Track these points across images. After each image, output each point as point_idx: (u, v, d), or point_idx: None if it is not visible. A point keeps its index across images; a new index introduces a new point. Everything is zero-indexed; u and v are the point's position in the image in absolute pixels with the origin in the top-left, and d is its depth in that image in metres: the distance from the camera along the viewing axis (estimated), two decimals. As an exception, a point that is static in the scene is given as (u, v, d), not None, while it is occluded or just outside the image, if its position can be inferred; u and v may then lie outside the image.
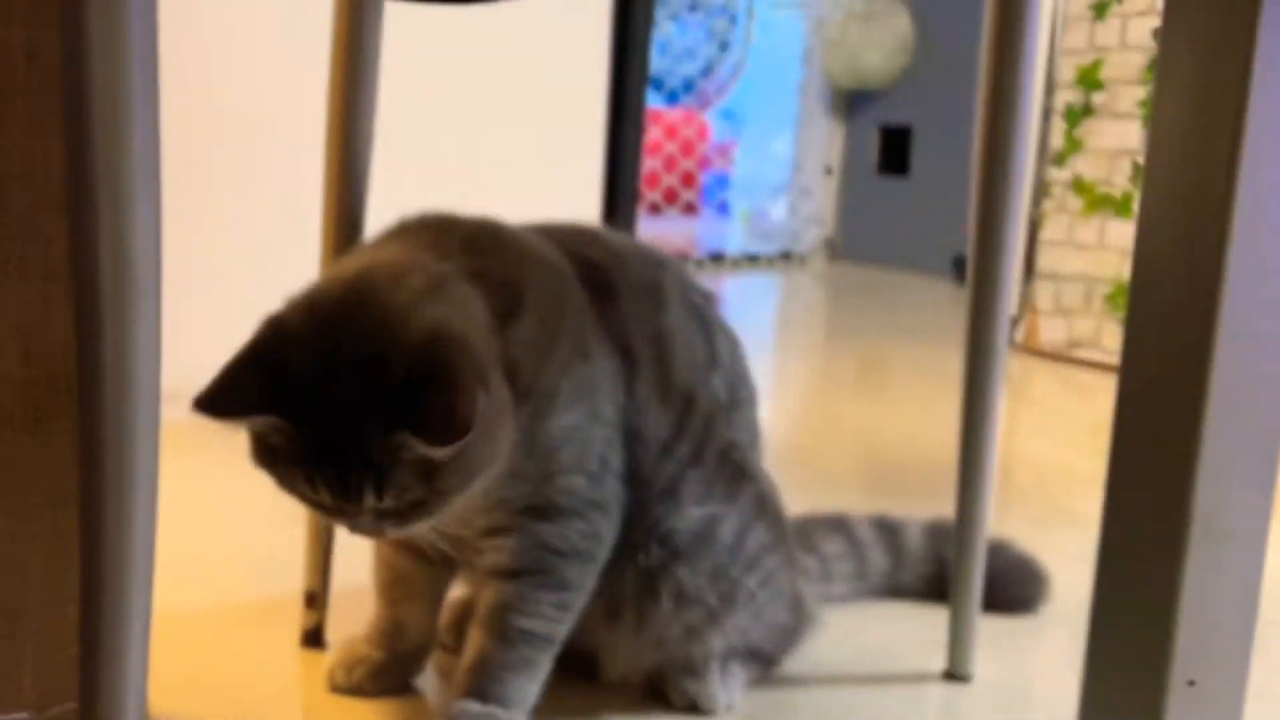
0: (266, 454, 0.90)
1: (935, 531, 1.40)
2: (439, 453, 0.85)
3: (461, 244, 0.99)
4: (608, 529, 1.03)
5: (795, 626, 1.17)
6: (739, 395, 1.12)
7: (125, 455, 0.72)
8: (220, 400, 0.87)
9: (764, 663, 1.17)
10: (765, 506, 1.12)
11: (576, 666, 1.12)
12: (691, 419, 1.07)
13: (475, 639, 1.02)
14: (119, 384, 0.72)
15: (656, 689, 1.13)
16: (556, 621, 1.02)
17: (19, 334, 0.90)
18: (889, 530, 1.40)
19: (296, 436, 0.87)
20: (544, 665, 1.03)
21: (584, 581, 1.03)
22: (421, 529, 0.92)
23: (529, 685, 1.02)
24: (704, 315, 1.12)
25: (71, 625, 0.89)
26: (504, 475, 0.96)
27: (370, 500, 0.87)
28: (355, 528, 0.91)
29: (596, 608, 1.07)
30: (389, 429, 0.85)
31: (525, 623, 1.01)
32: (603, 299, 1.05)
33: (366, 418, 0.85)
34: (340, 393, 0.86)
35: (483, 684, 1.00)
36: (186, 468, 1.69)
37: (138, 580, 0.73)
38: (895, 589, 1.40)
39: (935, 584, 1.38)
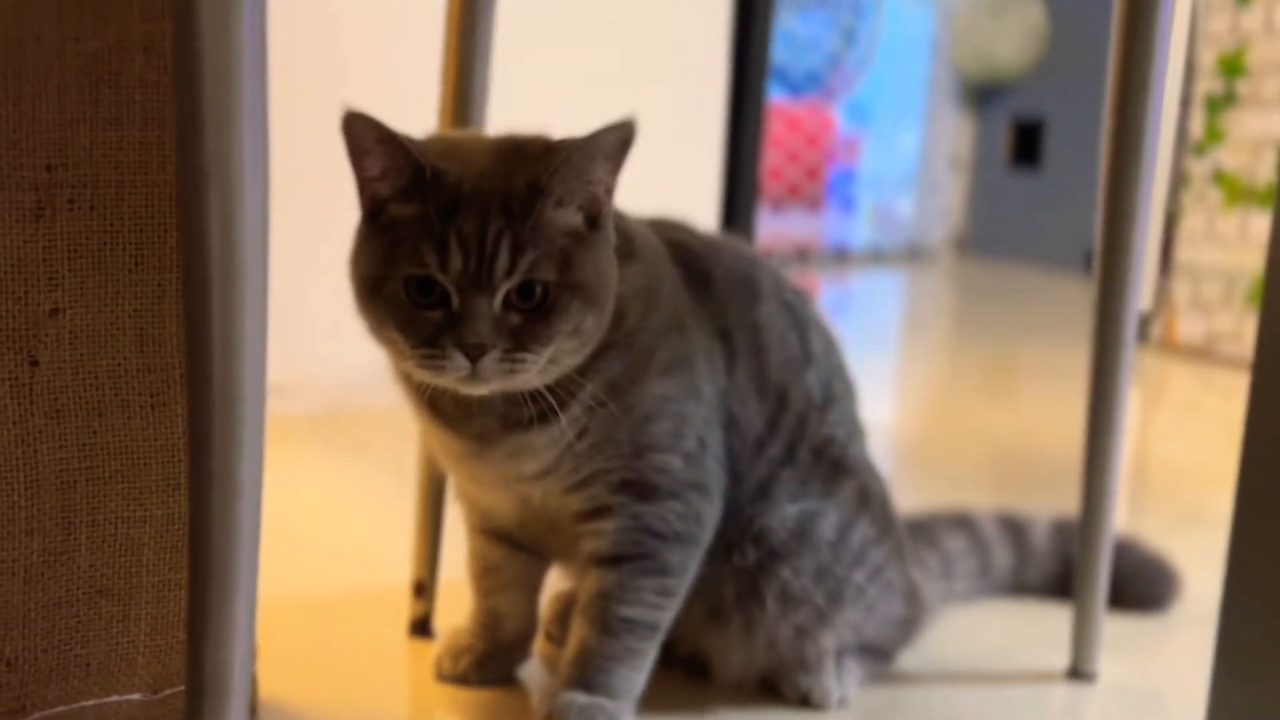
0: (384, 248, 0.89)
1: (1062, 529, 1.36)
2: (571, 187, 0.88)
3: None
4: (709, 511, 1.01)
5: (911, 618, 1.15)
6: (834, 391, 1.10)
7: (232, 441, 0.73)
8: (373, 125, 0.88)
9: (880, 657, 1.14)
10: (868, 500, 1.10)
11: (689, 666, 1.10)
12: (785, 416, 1.06)
13: (578, 629, 1.01)
14: (226, 371, 0.72)
15: (770, 684, 1.11)
16: (659, 608, 1.01)
17: (135, 322, 0.92)
18: (1014, 527, 1.36)
19: (437, 190, 0.87)
20: (649, 654, 1.02)
21: (686, 565, 1.01)
22: (530, 377, 0.89)
23: (634, 675, 1.01)
24: (797, 312, 1.10)
25: (185, 608, 0.91)
26: (597, 444, 0.96)
27: (503, 266, 0.86)
28: (468, 351, 0.86)
29: (698, 606, 1.05)
30: (531, 182, 0.87)
31: (627, 611, 1.00)
32: (699, 284, 1.04)
33: (510, 179, 0.88)
34: (486, 164, 0.89)
35: (587, 675, 0.99)
36: (299, 459, 1.72)
37: (243, 564, 0.74)
38: (1020, 587, 1.36)
39: (1061, 582, 1.34)
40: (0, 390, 0.87)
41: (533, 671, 1.13)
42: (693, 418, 0.99)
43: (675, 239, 1.06)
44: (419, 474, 1.16)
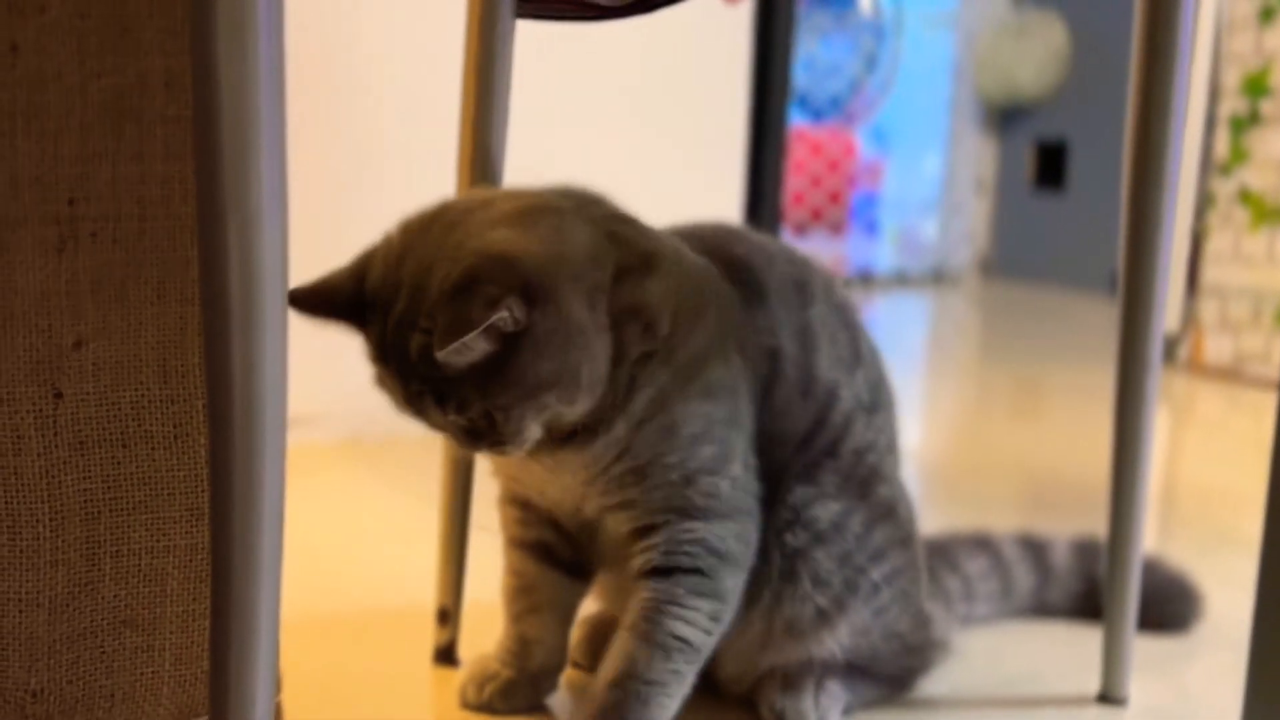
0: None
1: (1083, 549, 1.35)
2: (446, 358, 0.87)
3: (606, 210, 1.01)
4: (754, 534, 1.02)
5: (919, 645, 1.14)
6: (879, 398, 1.10)
7: (253, 471, 0.73)
8: (308, 300, 0.94)
9: (877, 682, 1.13)
10: (895, 510, 1.10)
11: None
12: (832, 414, 1.06)
13: (622, 645, 0.99)
14: (247, 401, 0.73)
15: (751, 703, 1.10)
16: (709, 633, 1.00)
17: (158, 354, 0.92)
18: (1035, 548, 1.35)
19: (369, 344, 0.94)
20: (689, 682, 1.00)
21: (737, 590, 1.01)
22: (517, 451, 0.94)
23: (672, 704, 0.99)
24: (847, 315, 1.11)
25: (207, 638, 0.91)
26: (641, 466, 0.97)
27: (436, 412, 0.92)
28: (455, 441, 0.94)
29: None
30: (424, 347, 0.89)
31: (682, 629, 0.98)
32: (754, 297, 1.04)
33: (413, 329, 0.90)
34: (400, 304, 0.91)
35: (626, 702, 0.97)
36: (325, 488, 1.72)
37: (266, 594, 0.74)
38: (1041, 608, 1.35)
39: (1084, 602, 1.33)
40: (25, 422, 0.88)
41: (561, 702, 1.12)
42: (737, 443, 1.00)
43: (729, 253, 1.06)
44: (442, 502, 1.16)
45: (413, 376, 0.91)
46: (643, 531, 1.00)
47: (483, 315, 0.86)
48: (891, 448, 1.12)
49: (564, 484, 1.01)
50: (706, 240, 1.07)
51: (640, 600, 1.00)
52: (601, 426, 0.95)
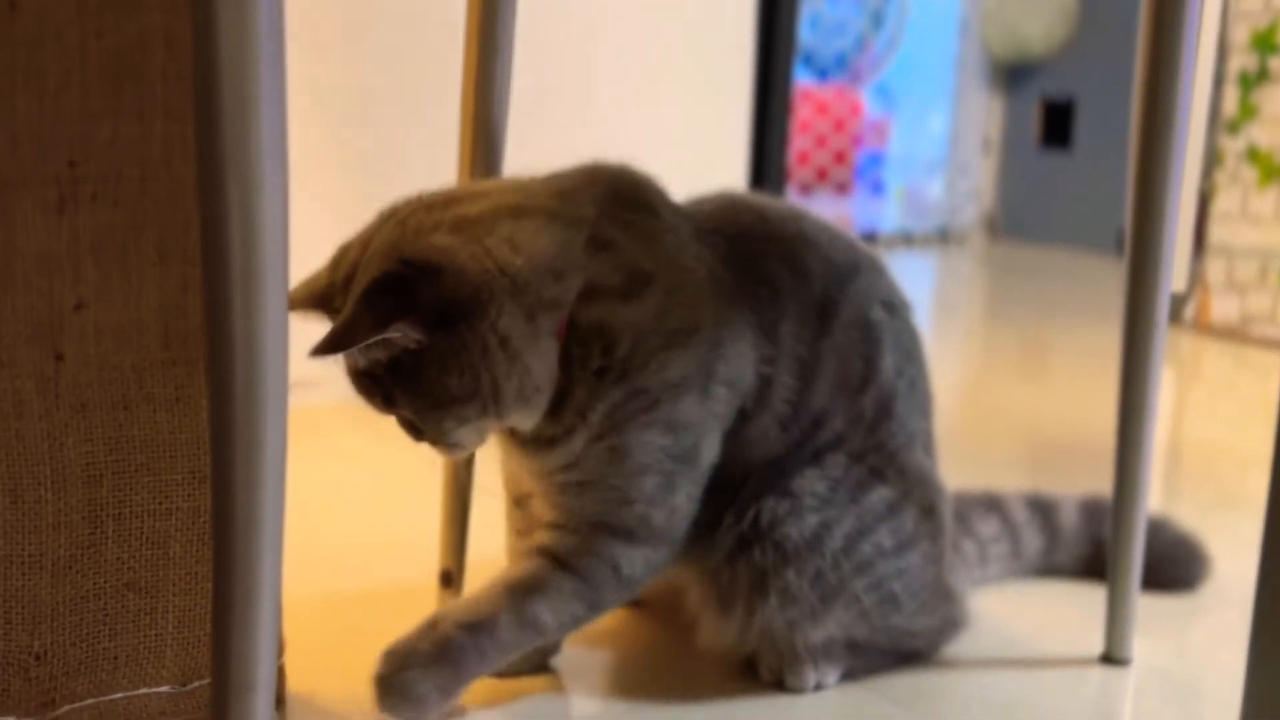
0: None
1: (1090, 509, 1.35)
2: (318, 356, 0.89)
3: (611, 211, 0.99)
4: (665, 562, 1.03)
5: (928, 629, 1.13)
6: (891, 409, 1.08)
7: (255, 433, 0.73)
8: (295, 297, 0.96)
9: (882, 654, 1.13)
10: (900, 509, 1.07)
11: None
12: (817, 437, 1.05)
13: (492, 598, 0.99)
14: (248, 362, 0.72)
15: (750, 664, 1.11)
16: (565, 628, 1.02)
17: (160, 316, 0.92)
18: (1043, 509, 1.35)
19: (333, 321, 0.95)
20: (518, 651, 1.02)
21: (614, 605, 1.04)
22: (454, 454, 0.97)
23: (500, 663, 1.01)
24: (873, 333, 1.07)
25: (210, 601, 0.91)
26: (587, 481, 0.99)
27: (375, 403, 0.95)
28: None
29: (708, 593, 1.06)
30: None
31: (545, 616, 1.00)
32: (764, 320, 1.02)
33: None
34: (346, 297, 0.94)
35: (468, 650, 0.98)
36: (327, 451, 1.72)
37: (267, 556, 0.74)
38: (1050, 568, 1.36)
39: (1091, 563, 1.33)
40: (26, 385, 0.87)
41: (568, 660, 1.12)
42: (685, 479, 1.00)
43: (759, 269, 1.04)
44: (445, 466, 1.16)
45: (351, 367, 0.94)
46: (559, 526, 1.02)
47: (367, 331, 0.88)
48: (910, 444, 1.10)
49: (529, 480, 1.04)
50: (747, 240, 1.05)
51: (530, 568, 1.01)
52: (562, 436, 0.97)
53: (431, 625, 0.99)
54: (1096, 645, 1.17)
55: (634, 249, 0.98)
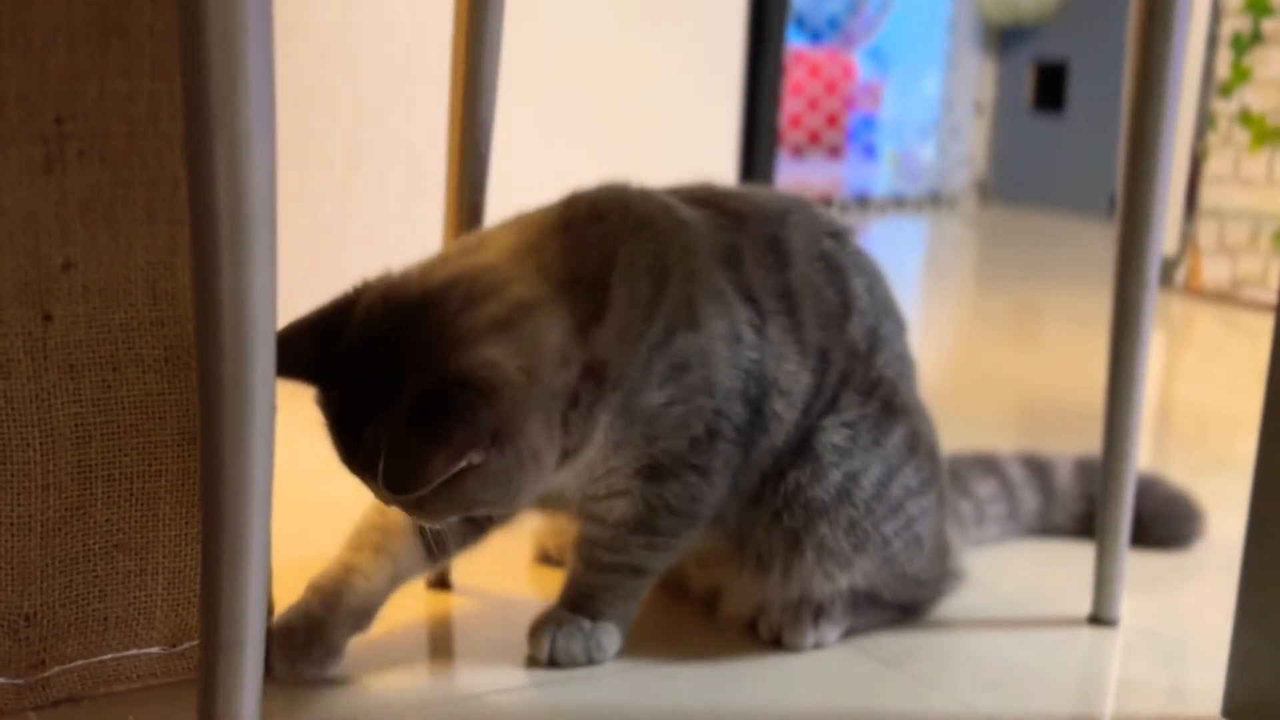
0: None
1: (1086, 469, 1.35)
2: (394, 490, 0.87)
3: (566, 244, 0.98)
4: (707, 492, 1.03)
5: (934, 578, 1.14)
6: (880, 334, 1.09)
7: (244, 393, 0.72)
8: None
9: (884, 609, 1.13)
10: (916, 447, 1.09)
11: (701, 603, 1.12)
12: (827, 377, 1.06)
13: (571, 562, 1.07)
14: (236, 322, 0.72)
15: (752, 625, 1.12)
16: (645, 558, 1.05)
17: (147, 276, 0.91)
18: (1039, 469, 1.36)
19: (325, 403, 0.93)
20: (636, 591, 1.06)
21: (677, 532, 1.04)
22: (429, 525, 0.97)
23: (619, 603, 1.05)
24: (835, 260, 1.09)
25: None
26: (609, 446, 0.99)
27: (371, 482, 0.91)
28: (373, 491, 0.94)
29: (746, 557, 1.09)
30: (376, 443, 0.88)
31: (612, 558, 1.04)
32: (731, 258, 1.03)
33: (370, 419, 0.89)
34: (366, 386, 0.90)
35: (574, 597, 1.05)
36: (315, 415, 1.72)
37: (256, 516, 0.74)
38: (1046, 528, 1.36)
39: (1087, 522, 1.33)
40: (14, 345, 0.87)
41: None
42: (702, 409, 1.00)
43: (715, 210, 1.06)
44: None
45: (357, 453, 0.91)
46: (608, 495, 1.03)
47: (444, 467, 0.86)
48: (903, 374, 1.11)
49: None
50: (690, 198, 1.06)
51: (584, 532, 1.05)
52: (568, 458, 0.97)
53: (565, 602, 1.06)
54: (1085, 606, 1.18)
55: (592, 256, 0.98)
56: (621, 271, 0.98)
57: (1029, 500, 1.35)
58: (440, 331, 0.91)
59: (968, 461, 1.35)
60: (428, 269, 0.96)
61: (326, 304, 0.95)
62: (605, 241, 0.99)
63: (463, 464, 0.87)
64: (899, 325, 1.14)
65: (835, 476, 1.05)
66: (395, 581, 1.05)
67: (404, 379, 0.89)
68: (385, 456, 0.87)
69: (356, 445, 0.91)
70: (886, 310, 1.12)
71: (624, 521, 1.03)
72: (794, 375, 1.04)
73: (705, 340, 1.00)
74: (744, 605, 1.12)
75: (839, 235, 1.11)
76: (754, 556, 1.08)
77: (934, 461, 1.12)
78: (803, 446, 1.05)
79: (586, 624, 1.04)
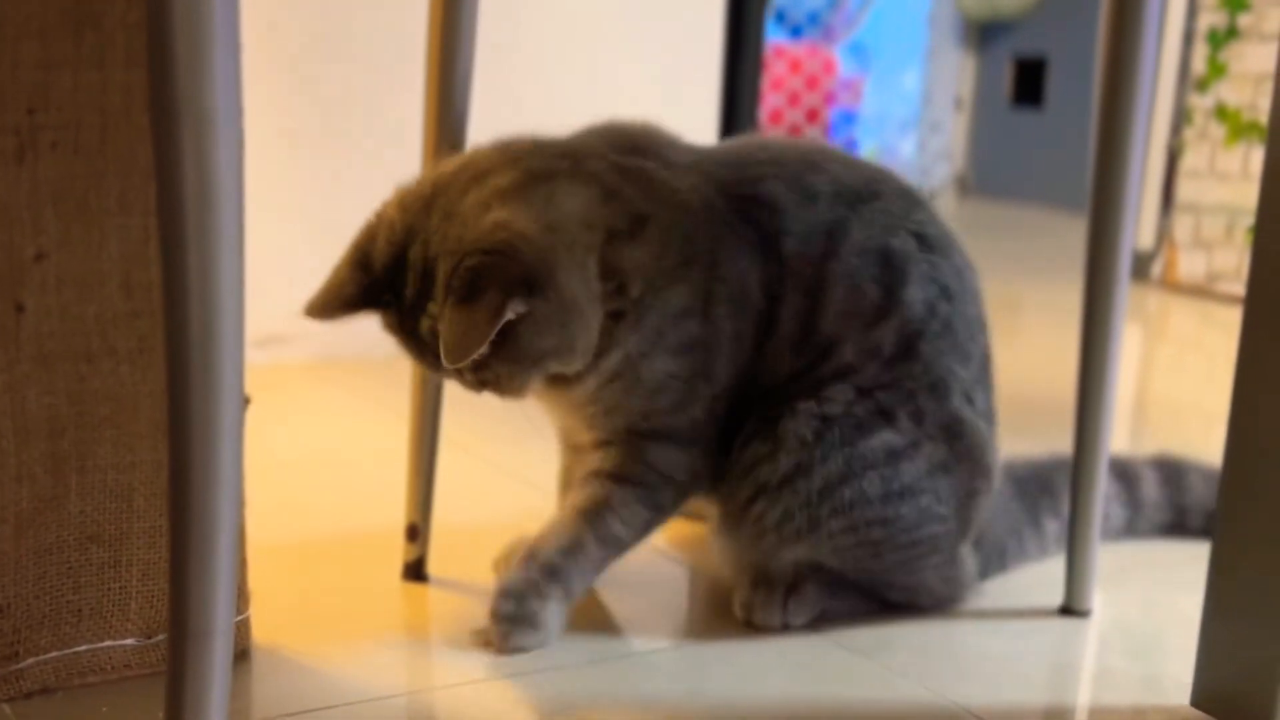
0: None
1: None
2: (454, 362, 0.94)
3: (613, 161, 1.04)
4: (701, 465, 1.09)
5: (907, 585, 1.14)
6: (920, 348, 1.07)
7: (211, 380, 0.72)
8: (324, 305, 1.00)
9: (866, 597, 1.14)
10: (902, 458, 1.06)
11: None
12: (822, 366, 1.06)
13: (571, 525, 1.07)
14: (204, 308, 0.71)
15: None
16: (637, 537, 1.09)
17: (121, 267, 0.91)
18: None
19: (389, 325, 1.02)
20: (605, 567, 1.09)
21: (674, 507, 1.10)
22: (516, 399, 1.03)
23: (590, 579, 1.09)
24: (895, 260, 1.06)
25: (175, 554, 0.91)
26: (604, 409, 1.06)
27: (451, 375, 1.00)
28: (461, 384, 1.02)
29: (718, 517, 1.12)
30: (433, 335, 0.97)
31: (620, 529, 1.07)
32: (765, 242, 1.05)
33: (423, 309, 0.98)
34: (409, 291, 0.99)
35: (563, 570, 1.06)
36: (297, 407, 1.72)
37: (225, 504, 0.73)
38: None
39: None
40: (-14, 337, 0.87)
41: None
42: (701, 394, 1.05)
43: (755, 191, 1.06)
44: (411, 418, 1.16)
45: (427, 350, 0.99)
46: (603, 443, 1.09)
47: (489, 325, 0.93)
48: (940, 390, 1.08)
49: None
50: (748, 167, 1.08)
51: (592, 493, 1.08)
52: (576, 378, 1.03)
53: (531, 557, 1.06)
54: (1057, 597, 1.19)
55: (632, 193, 1.03)
56: (661, 223, 1.02)
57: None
58: (452, 212, 0.98)
59: None
60: (438, 166, 1.04)
61: (354, 238, 1.02)
62: (651, 195, 1.03)
63: (509, 315, 0.93)
64: (962, 350, 1.10)
65: (786, 464, 1.05)
66: None
67: (435, 268, 0.97)
68: (441, 338, 0.94)
69: (423, 345, 0.99)
70: (946, 329, 1.08)
71: (628, 477, 1.07)
72: (774, 370, 1.07)
73: (712, 333, 1.04)
74: (722, 559, 1.14)
75: (929, 241, 1.09)
76: (720, 509, 1.11)
77: (946, 477, 1.09)
78: (772, 424, 1.06)
79: (555, 597, 1.06)
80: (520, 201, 0.98)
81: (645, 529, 1.09)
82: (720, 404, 1.07)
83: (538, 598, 1.04)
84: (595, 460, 1.09)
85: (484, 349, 0.94)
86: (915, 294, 1.07)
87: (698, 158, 1.09)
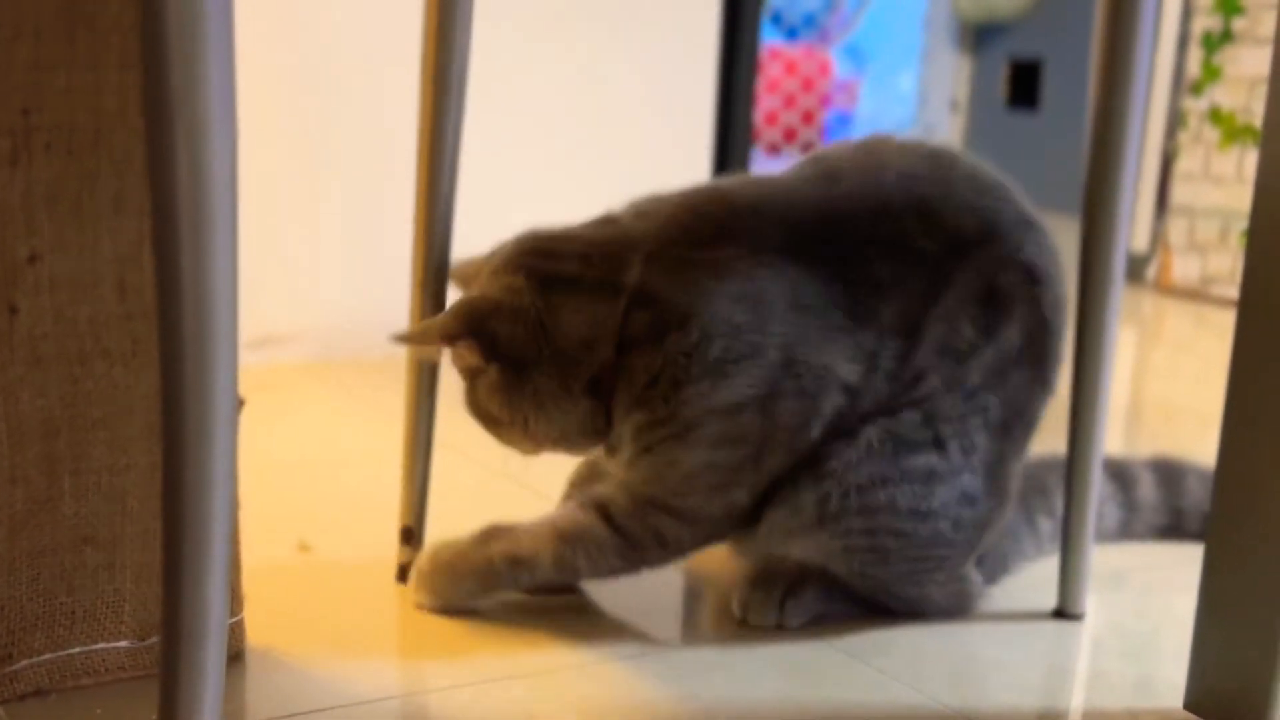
0: None
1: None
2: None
3: (666, 255, 1.04)
4: (707, 539, 1.11)
5: (909, 596, 1.14)
6: (1002, 378, 1.07)
7: (205, 381, 0.71)
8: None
9: (858, 603, 1.14)
10: (935, 480, 1.07)
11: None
12: (904, 396, 1.06)
13: (544, 537, 1.09)
14: (197, 309, 0.71)
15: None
16: (598, 578, 1.11)
17: (115, 269, 0.91)
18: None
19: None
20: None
21: (652, 568, 1.11)
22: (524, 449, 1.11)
23: (526, 587, 1.12)
24: (999, 301, 1.06)
25: (168, 556, 0.91)
26: (645, 475, 1.07)
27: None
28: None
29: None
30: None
31: (583, 565, 1.09)
32: (865, 316, 1.04)
33: None
34: None
35: (505, 573, 1.09)
36: (294, 407, 1.72)
37: (218, 506, 0.73)
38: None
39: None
40: (-20, 338, 0.87)
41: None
42: (740, 483, 1.06)
43: (863, 241, 1.06)
44: (406, 420, 1.16)
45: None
46: (623, 487, 1.09)
47: (441, 337, 1.05)
48: (1003, 425, 1.09)
49: None
50: (845, 228, 1.06)
51: (581, 520, 1.09)
52: (612, 450, 1.09)
53: (484, 541, 1.10)
54: (1050, 600, 1.19)
55: (677, 293, 1.02)
56: (705, 313, 1.02)
57: None
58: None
59: None
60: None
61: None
62: (691, 282, 1.03)
63: (459, 348, 1.03)
64: (1046, 385, 1.11)
65: (831, 462, 1.06)
66: None
67: None
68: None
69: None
70: (1037, 362, 1.10)
71: (623, 531, 1.08)
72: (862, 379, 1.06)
73: (770, 428, 1.04)
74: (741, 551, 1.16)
75: (1037, 276, 1.09)
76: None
77: (962, 509, 1.09)
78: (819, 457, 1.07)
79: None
80: (543, 299, 1.04)
81: (610, 575, 1.11)
82: (764, 483, 1.07)
83: (455, 581, 1.10)
84: (610, 484, 1.10)
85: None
86: (1014, 332, 1.07)
87: (789, 216, 1.06)
